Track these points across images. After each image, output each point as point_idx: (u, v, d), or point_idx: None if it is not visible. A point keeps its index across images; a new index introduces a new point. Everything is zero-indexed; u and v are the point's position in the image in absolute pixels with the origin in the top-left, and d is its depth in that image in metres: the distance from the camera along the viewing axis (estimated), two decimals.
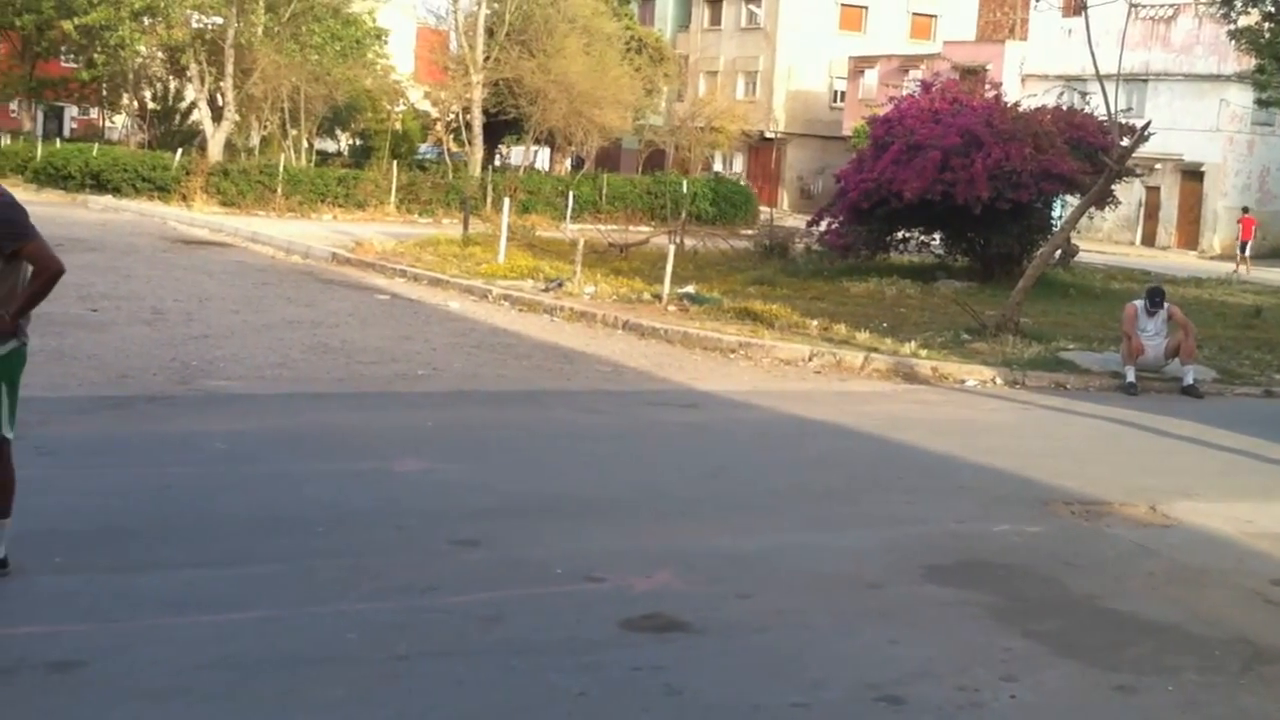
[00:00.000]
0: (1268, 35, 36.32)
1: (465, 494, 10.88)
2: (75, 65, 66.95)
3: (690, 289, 24.84)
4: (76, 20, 52.07)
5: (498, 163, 64.52)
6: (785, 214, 50.04)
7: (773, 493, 11.76)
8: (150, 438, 12.27)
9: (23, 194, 39.71)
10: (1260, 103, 48.39)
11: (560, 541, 9.60)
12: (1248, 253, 49.95)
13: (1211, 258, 57.32)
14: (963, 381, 18.95)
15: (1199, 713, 7.25)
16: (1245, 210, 53.67)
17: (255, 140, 54.44)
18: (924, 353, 20.02)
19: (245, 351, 17.05)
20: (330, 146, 66.77)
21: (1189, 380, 19.22)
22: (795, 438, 14.46)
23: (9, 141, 55.22)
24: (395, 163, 49.69)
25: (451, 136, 58.38)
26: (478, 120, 53.58)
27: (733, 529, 10.35)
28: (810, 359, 19.58)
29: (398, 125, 63.27)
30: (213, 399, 14.16)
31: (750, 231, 43.16)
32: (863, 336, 21.07)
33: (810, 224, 35.11)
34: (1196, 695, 7.49)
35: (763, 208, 54.92)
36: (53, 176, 47.26)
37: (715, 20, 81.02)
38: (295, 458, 11.86)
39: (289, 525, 9.61)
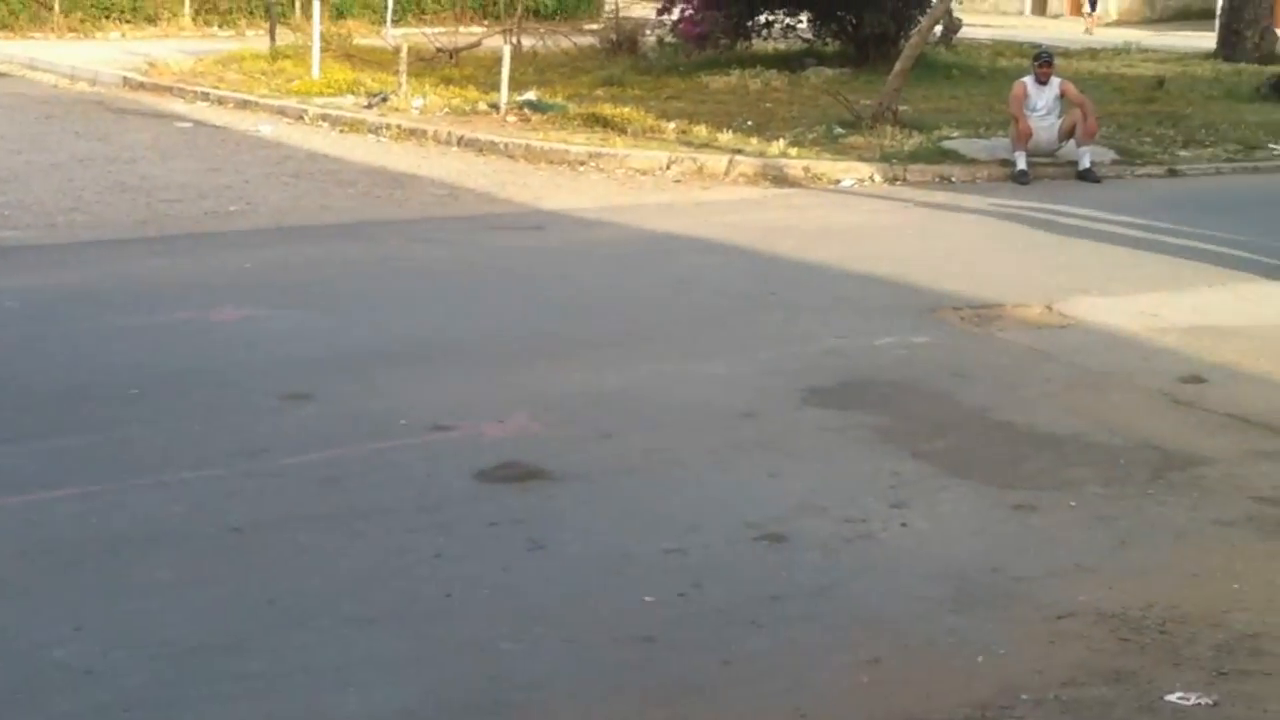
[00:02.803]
0: None
1: (293, 343, 10.93)
2: None
3: (531, 95, 24.74)
4: None
5: None
6: (632, 2, 49.58)
7: (633, 320, 11.90)
8: None
9: None
10: None
11: (401, 390, 9.69)
12: (1096, 9, 55.16)
13: (1108, 25, 57.82)
14: (838, 181, 19.13)
15: (1105, 528, 7.51)
16: None
17: None
18: (794, 151, 20.16)
19: (31, 196, 16.83)
20: None
21: (1086, 163, 19.52)
22: (655, 257, 14.56)
23: None
24: None
25: None
26: None
27: (591, 364, 10.49)
28: (668, 167, 19.66)
29: None
30: None
31: (595, 26, 42.79)
32: (726, 138, 21.15)
33: (660, 13, 34.68)
34: (1101, 509, 7.76)
35: None
36: None
37: None
38: (99, 314, 11.75)
39: (98, 390, 9.59)
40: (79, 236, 14.84)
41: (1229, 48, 37.44)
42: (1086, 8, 55.95)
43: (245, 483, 7.97)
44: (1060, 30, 52.91)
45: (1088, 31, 51.22)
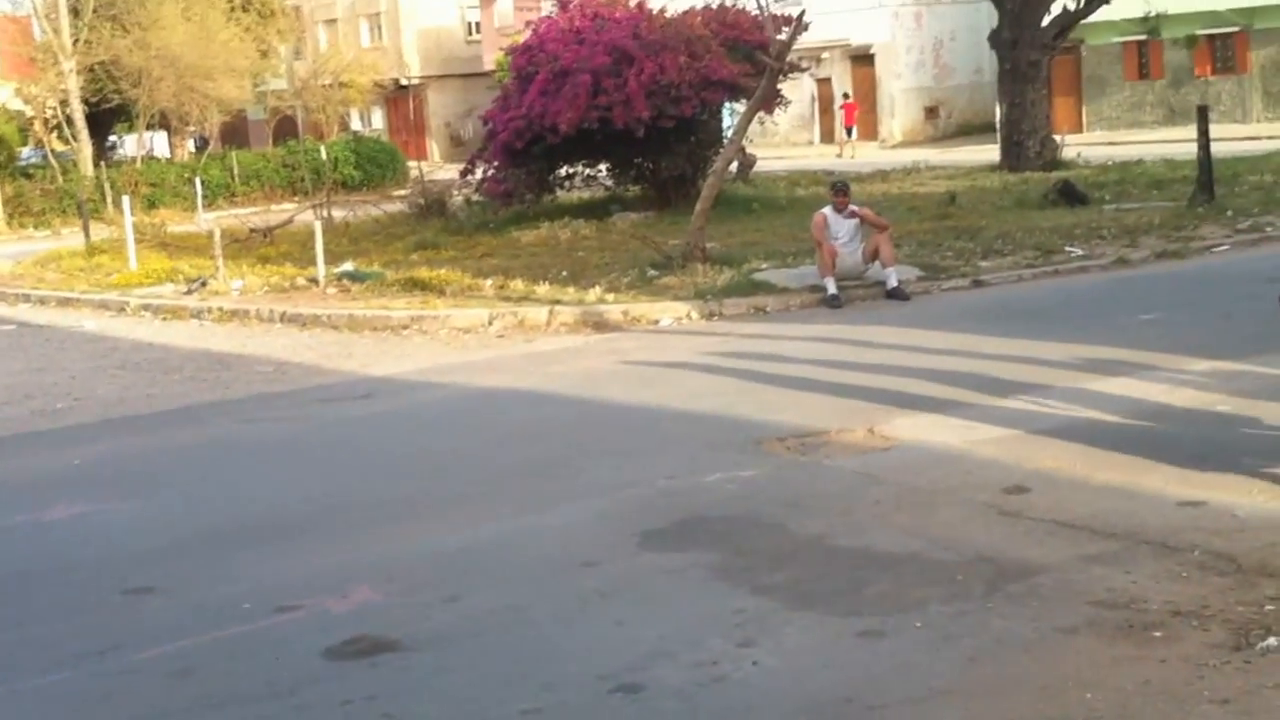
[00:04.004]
0: None
1: (130, 536, 10.70)
2: None
3: (348, 266, 24.68)
4: None
5: (116, 155, 63.08)
6: (438, 166, 49.86)
7: (468, 480, 11.78)
8: None
9: None
10: None
11: (243, 573, 9.48)
12: (853, 136, 57.18)
13: (894, 145, 58.88)
14: (657, 321, 19.18)
15: (952, 646, 7.44)
16: (846, 96, 59.63)
17: None
18: (611, 297, 20.23)
19: None
20: None
21: (893, 283, 19.70)
22: (485, 413, 14.51)
23: None
24: None
25: (54, 135, 56.89)
26: (79, 112, 52.16)
27: (429, 527, 10.37)
28: (490, 323, 19.63)
29: None
30: None
31: (403, 191, 42.95)
32: (543, 289, 21.18)
33: (464, 174, 35.05)
34: (947, 627, 7.70)
35: (411, 163, 54.68)
36: None
37: None
38: None
39: None
40: None
41: (1013, 158, 38.34)
42: (841, 134, 57.39)
43: (96, 683, 7.75)
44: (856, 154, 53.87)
45: (840, 155, 54.04)
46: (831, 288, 19.56)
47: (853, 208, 20.43)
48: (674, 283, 21.05)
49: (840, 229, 20.14)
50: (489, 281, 22.21)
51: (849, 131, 57.65)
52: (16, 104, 62.69)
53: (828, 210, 20.41)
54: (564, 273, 22.97)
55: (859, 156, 52.92)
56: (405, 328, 19.88)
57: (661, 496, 10.67)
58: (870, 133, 61.57)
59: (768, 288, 20.42)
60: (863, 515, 9.88)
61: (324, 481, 12.10)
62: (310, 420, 14.86)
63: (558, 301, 20.16)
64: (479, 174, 33.71)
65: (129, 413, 15.70)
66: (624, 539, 9.66)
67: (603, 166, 34.25)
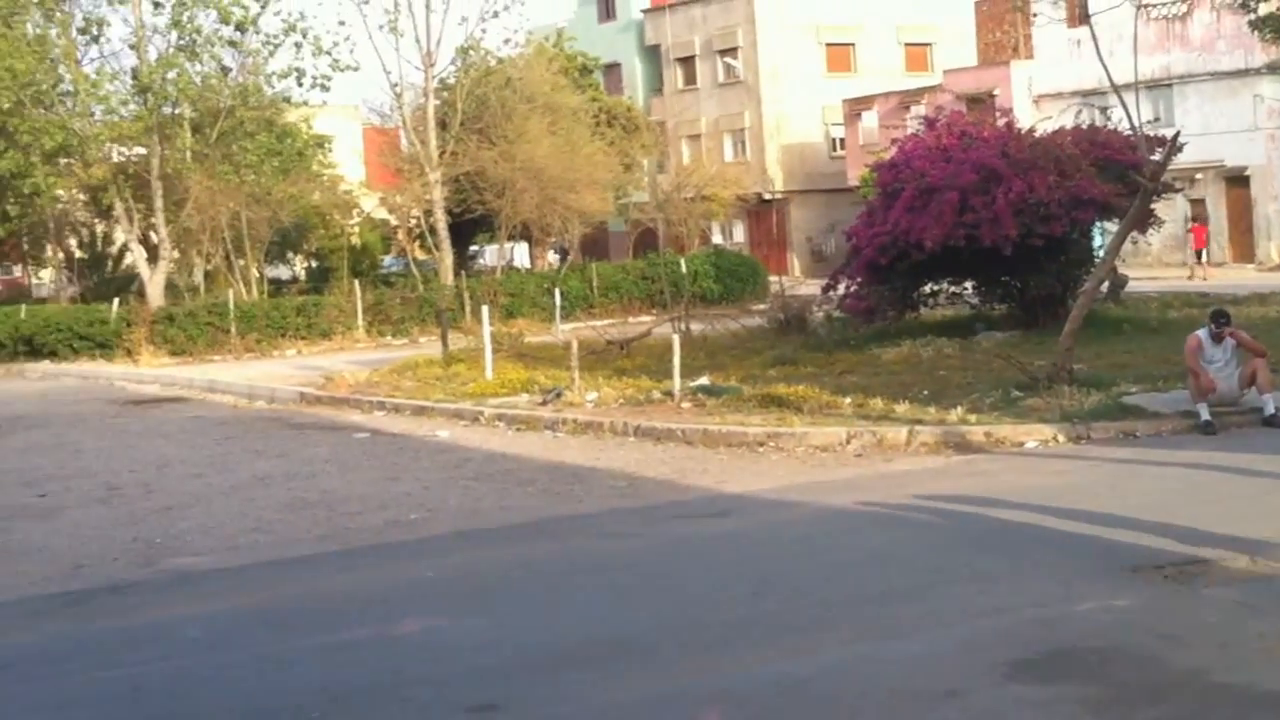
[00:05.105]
0: None
1: (477, 652, 10.70)
2: None
3: (704, 380, 24.71)
4: None
5: (476, 265, 64.56)
6: (798, 280, 49.85)
7: (825, 603, 11.55)
8: (114, 634, 12.11)
9: None
10: None
11: (590, 695, 9.41)
12: (1204, 259, 55.38)
13: (1271, 269, 57.27)
14: (1021, 444, 18.79)
15: None
16: (1196, 220, 58.09)
17: (199, 277, 54.16)
18: (973, 418, 19.89)
19: (213, 519, 16.92)
20: (284, 273, 66.61)
21: (1270, 410, 19.05)
22: (843, 535, 14.28)
23: None
24: (357, 281, 49.57)
25: (416, 244, 58.44)
26: (442, 223, 53.49)
27: (784, 651, 10.16)
28: (848, 442, 19.42)
29: (355, 239, 63.19)
30: (182, 579, 14.02)
31: (762, 306, 43.01)
32: (903, 408, 20.93)
33: (826, 289, 34.92)
34: None
35: (772, 277, 54.72)
36: None
37: (690, 80, 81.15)
38: (280, 636, 11.68)
39: (280, 715, 9.43)
40: (261, 557, 14.81)
41: None
42: (1190, 256, 55.87)
43: None
44: (1225, 277, 52.50)
45: (1191, 278, 52.02)
46: (1205, 414, 18.96)
47: (1229, 331, 19.82)
48: (1039, 404, 20.56)
49: (1215, 353, 19.60)
50: (848, 399, 22.01)
51: (1199, 255, 55.98)
52: (381, 213, 64.64)
53: (1202, 333, 19.84)
54: (925, 392, 22.65)
55: (1213, 278, 51.52)
56: (761, 444, 19.76)
57: (1030, 625, 10.34)
58: (1245, 255, 60.00)
59: (1138, 412, 19.88)
60: (1245, 650, 9.44)
61: (676, 600, 11.98)
62: (663, 537, 14.81)
63: (918, 421, 19.89)
64: (841, 289, 33.58)
65: (481, 525, 15.85)
66: (990, 668, 9.35)
67: (968, 284, 33.88)
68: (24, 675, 10.91)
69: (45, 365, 43.69)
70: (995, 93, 62.66)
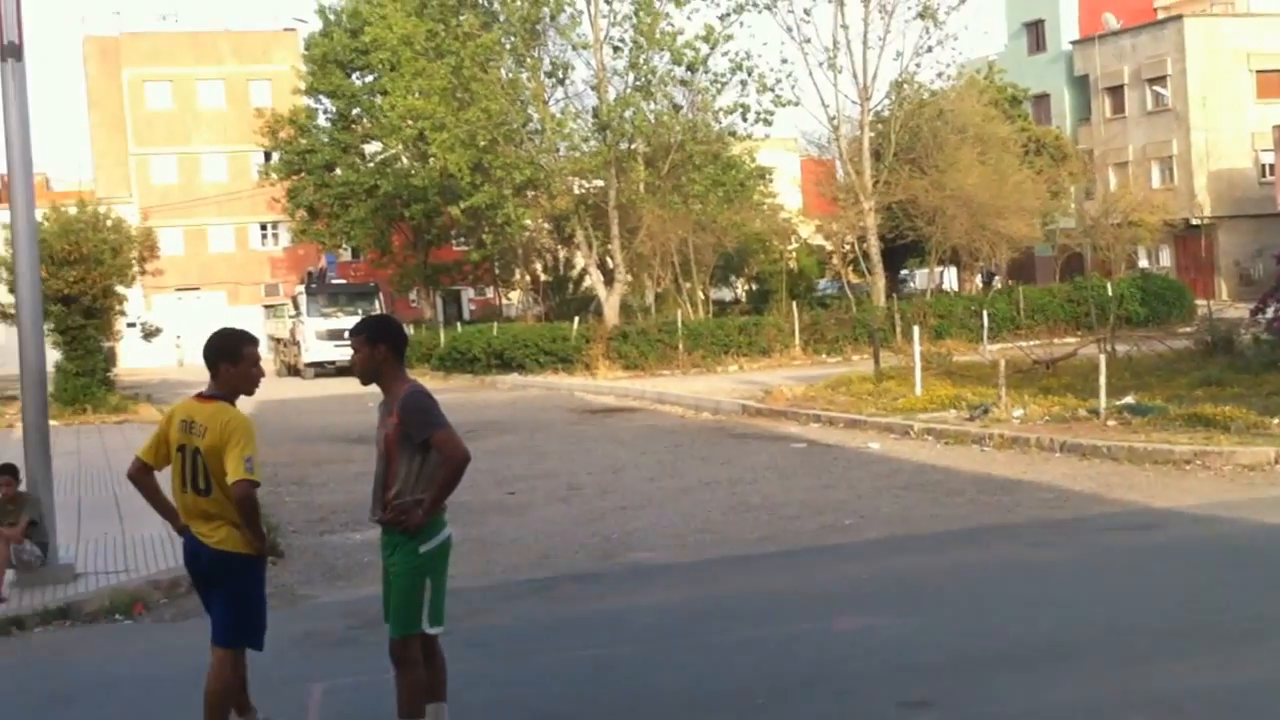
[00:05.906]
0: None
1: (909, 650, 10.66)
2: (466, 247, 70.54)
3: (1129, 399, 24.17)
4: (463, 204, 53.89)
5: (906, 288, 64.45)
6: (1225, 304, 48.51)
7: (1258, 617, 11.15)
8: (577, 618, 12.50)
9: (431, 381, 41.58)
10: None
11: (1019, 696, 9.28)
12: None
13: None
14: None
15: None
16: None
17: (650, 298, 55.41)
18: None
19: (664, 519, 17.25)
20: (726, 295, 67.58)
21: None
22: (1275, 551, 13.82)
23: (412, 331, 57.67)
24: (795, 303, 49.96)
25: (850, 268, 58.57)
26: (875, 248, 53.69)
27: (1216, 663, 9.84)
28: (1276, 461, 18.72)
29: (793, 264, 63.68)
30: (636, 572, 14.34)
31: (1188, 329, 41.94)
32: None
33: (1254, 312, 33.74)
34: None
35: (1199, 301, 53.30)
36: (458, 361, 49.94)
37: (1118, 108, 79.36)
38: (725, 626, 11.83)
39: (726, 700, 9.58)
40: (707, 554, 15.03)
41: None
42: None
43: None
44: None
45: None
46: None
47: None
48: None
49: None
50: (1276, 420, 21.24)
51: None
52: (817, 239, 65.03)
53: None
54: None
55: None
56: (1187, 462, 19.20)
57: None
58: None
59: None
60: None
61: (1104, 608, 11.71)
62: (1092, 547, 14.49)
63: None
64: (1270, 312, 32.48)
65: (912, 531, 15.76)
66: None
67: None
68: (501, 653, 11.33)
69: (514, 377, 45.39)
70: None
